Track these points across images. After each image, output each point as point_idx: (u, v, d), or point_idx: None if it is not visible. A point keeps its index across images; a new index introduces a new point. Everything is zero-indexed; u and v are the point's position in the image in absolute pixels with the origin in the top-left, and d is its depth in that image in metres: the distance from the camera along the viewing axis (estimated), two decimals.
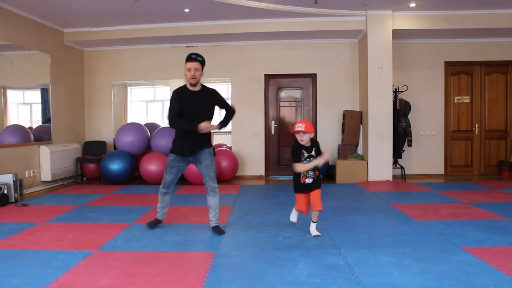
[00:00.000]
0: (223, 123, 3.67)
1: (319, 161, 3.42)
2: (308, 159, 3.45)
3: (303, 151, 3.46)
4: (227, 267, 2.82)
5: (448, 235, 3.48)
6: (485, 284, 2.43)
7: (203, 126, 3.42)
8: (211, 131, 3.59)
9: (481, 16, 6.52)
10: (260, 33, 7.05)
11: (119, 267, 2.82)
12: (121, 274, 2.68)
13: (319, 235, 3.51)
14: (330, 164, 7.15)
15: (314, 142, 3.53)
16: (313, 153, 3.48)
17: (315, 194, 3.49)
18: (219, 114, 3.81)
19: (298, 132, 3.42)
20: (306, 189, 3.50)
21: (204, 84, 3.67)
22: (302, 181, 3.49)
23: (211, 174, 3.63)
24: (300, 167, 3.43)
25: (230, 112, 3.75)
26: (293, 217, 3.73)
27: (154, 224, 3.81)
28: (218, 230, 3.65)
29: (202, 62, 3.53)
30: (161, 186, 3.71)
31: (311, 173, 3.47)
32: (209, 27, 6.94)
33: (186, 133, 3.54)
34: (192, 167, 5.83)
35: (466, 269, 2.67)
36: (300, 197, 3.56)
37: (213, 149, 3.71)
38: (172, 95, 3.58)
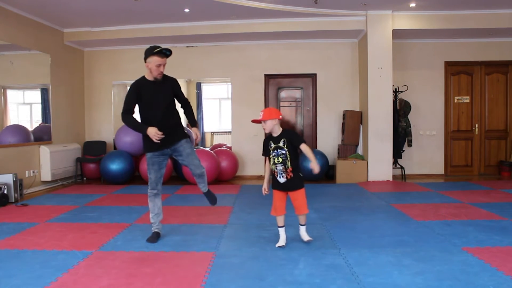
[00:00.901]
0: (193, 122, 3.53)
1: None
2: (276, 151, 3.11)
3: (271, 142, 3.13)
4: (227, 267, 2.81)
5: (448, 235, 3.48)
6: (485, 284, 2.43)
7: (152, 132, 3.20)
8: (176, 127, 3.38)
9: (481, 16, 6.52)
10: (260, 33, 7.04)
11: (119, 267, 2.82)
12: (121, 274, 2.68)
13: (311, 240, 3.29)
14: (330, 164, 7.16)
15: (286, 132, 3.13)
16: (281, 144, 3.09)
17: (296, 197, 3.18)
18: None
19: (258, 121, 3.08)
20: (281, 187, 3.20)
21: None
22: (275, 176, 3.18)
23: (195, 162, 3.48)
24: (266, 167, 3.25)
25: (190, 108, 3.59)
26: (281, 239, 3.22)
27: (154, 238, 3.44)
28: (210, 195, 3.65)
29: (169, 57, 3.40)
30: (148, 189, 3.48)
31: (280, 167, 3.12)
32: (209, 27, 6.94)
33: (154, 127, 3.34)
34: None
35: (466, 269, 2.66)
36: (275, 194, 3.25)
37: (189, 137, 3.56)
38: (130, 88, 3.43)
